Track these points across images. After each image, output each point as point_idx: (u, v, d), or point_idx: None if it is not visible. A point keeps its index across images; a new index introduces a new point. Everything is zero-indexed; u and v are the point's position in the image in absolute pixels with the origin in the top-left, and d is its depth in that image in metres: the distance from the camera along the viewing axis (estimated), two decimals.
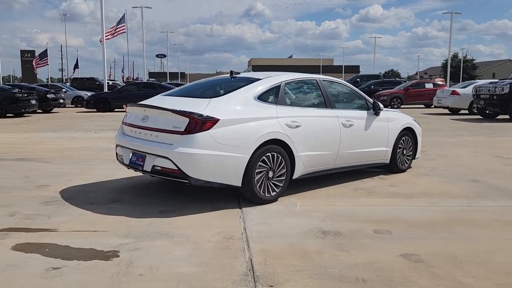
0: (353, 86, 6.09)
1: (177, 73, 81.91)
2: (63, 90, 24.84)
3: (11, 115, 17.22)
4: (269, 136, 4.56)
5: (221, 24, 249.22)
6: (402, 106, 24.20)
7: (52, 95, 20.06)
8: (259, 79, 4.97)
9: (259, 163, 4.51)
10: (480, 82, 18.61)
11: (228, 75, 5.34)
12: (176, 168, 4.20)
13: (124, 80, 64.46)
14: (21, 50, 67.78)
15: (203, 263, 3.15)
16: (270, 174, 4.64)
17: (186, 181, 4.25)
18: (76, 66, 62.01)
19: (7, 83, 31.27)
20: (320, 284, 2.85)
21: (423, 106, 24.72)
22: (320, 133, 5.15)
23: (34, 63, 40.82)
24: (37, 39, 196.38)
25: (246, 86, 4.80)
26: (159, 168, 4.35)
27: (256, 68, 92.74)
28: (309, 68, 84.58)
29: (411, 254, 3.37)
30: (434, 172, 6.57)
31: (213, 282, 2.84)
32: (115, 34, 29.24)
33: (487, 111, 16.32)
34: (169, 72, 75.63)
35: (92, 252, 3.30)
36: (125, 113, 5.16)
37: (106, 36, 27.90)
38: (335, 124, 5.32)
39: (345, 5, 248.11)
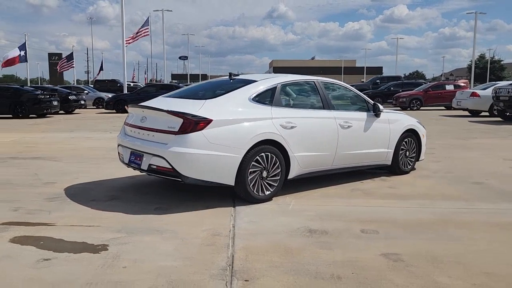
0: (353, 88, 6.12)
1: (199, 74, 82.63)
2: (85, 91, 25.47)
3: (34, 115, 17.80)
4: (263, 136, 4.66)
5: (244, 26, 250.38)
6: (421, 108, 23.92)
7: (74, 97, 20.63)
8: (255, 81, 5.07)
9: (253, 163, 4.62)
10: (500, 83, 18.25)
11: (227, 76, 5.47)
12: (170, 167, 4.34)
13: (147, 81, 65.53)
14: (48, 53, 69.70)
15: (186, 257, 3.28)
16: (264, 174, 4.74)
17: (180, 180, 4.39)
18: (101, 68, 63.28)
19: (33, 85, 32.27)
20: (295, 280, 2.94)
21: (443, 108, 24.33)
22: (316, 134, 5.22)
23: (58, 66, 41.88)
24: (64, 42, 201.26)
25: (242, 88, 4.92)
26: (154, 166, 4.50)
27: (277, 69, 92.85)
28: (331, 69, 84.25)
29: (392, 253, 3.42)
30: (437, 174, 6.54)
31: (192, 275, 2.96)
32: (136, 38, 29.81)
33: (507, 113, 16.00)
34: (191, 74, 76.46)
35: (83, 246, 3.47)
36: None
37: (127, 41, 28.55)
38: (332, 125, 5.38)
39: (369, 6, 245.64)
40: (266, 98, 4.95)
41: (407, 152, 6.49)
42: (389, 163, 6.27)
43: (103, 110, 22.52)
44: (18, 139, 10.51)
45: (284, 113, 4.96)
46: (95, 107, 25.95)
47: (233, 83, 5.15)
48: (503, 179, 6.17)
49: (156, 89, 21.79)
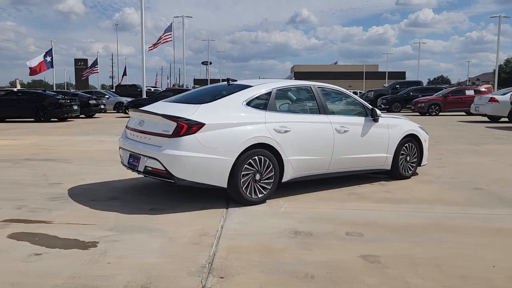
0: (351, 93, 6.18)
1: (219, 79, 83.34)
2: (106, 96, 26.12)
3: (56, 119, 18.37)
4: (256, 140, 4.78)
5: (266, 31, 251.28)
6: (440, 113, 23.60)
7: (94, 101, 21.19)
8: (251, 86, 5.20)
9: (246, 166, 4.74)
10: None
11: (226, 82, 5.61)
12: (164, 169, 4.51)
13: (169, 86, 66.47)
14: (75, 59, 71.58)
15: (169, 255, 3.42)
16: (257, 176, 4.85)
17: (173, 181, 4.55)
18: (124, 74, 64.55)
19: (58, 90, 33.28)
20: (269, 278, 3.04)
21: (464, 113, 23.92)
22: (311, 138, 5.30)
23: (84, 72, 43.04)
24: (91, 48, 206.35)
25: (237, 93, 5.05)
26: (150, 168, 4.68)
27: (297, 74, 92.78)
28: (352, 74, 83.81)
29: (372, 255, 3.48)
30: (439, 179, 6.52)
31: (171, 272, 3.09)
32: (159, 44, 30.42)
33: None
34: (213, 79, 77.15)
35: (75, 242, 3.65)
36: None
37: (150, 47, 29.23)
38: (328, 129, 5.46)
39: (394, 10, 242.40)
40: (260, 103, 5.07)
41: (408, 157, 6.49)
42: (389, 167, 6.29)
43: (122, 114, 23.03)
44: (36, 141, 10.92)
45: (278, 118, 5.07)
46: (115, 111, 26.55)
47: (229, 88, 5.29)
48: (505, 185, 6.11)
49: (174, 93, 22.10)
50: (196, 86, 65.49)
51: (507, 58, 64.87)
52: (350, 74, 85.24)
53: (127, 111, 21.48)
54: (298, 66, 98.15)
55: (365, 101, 26.97)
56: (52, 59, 39.50)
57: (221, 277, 3.03)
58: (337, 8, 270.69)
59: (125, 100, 25.53)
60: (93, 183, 5.93)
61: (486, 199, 5.33)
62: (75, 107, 18.69)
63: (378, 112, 6.02)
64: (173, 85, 77.23)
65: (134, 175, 6.03)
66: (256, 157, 4.81)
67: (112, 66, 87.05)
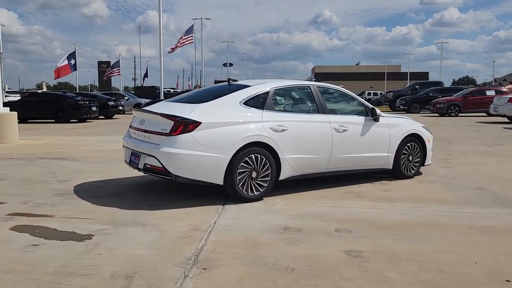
0: (351, 93, 6.23)
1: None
2: (125, 98, 26.66)
3: (75, 120, 18.88)
4: (252, 138, 4.89)
5: (288, 32, 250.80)
6: (460, 114, 23.24)
7: (112, 103, 21.69)
8: (249, 86, 5.33)
9: (242, 163, 4.86)
10: None
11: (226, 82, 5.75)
12: (161, 166, 4.67)
13: (191, 88, 67.19)
14: (98, 61, 73.18)
15: (158, 247, 3.56)
16: (254, 174, 4.97)
17: (170, 178, 4.71)
18: (145, 75, 65.58)
19: (78, 91, 34.10)
20: (250, 270, 3.15)
21: (485, 114, 23.47)
22: (309, 137, 5.38)
23: (105, 75, 43.91)
24: (115, 50, 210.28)
25: (234, 93, 5.18)
26: (149, 166, 4.85)
27: (318, 75, 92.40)
28: (373, 75, 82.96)
29: (355, 250, 3.55)
30: (442, 179, 6.51)
31: (156, 263, 3.24)
32: (180, 46, 30.82)
33: None
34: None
35: (71, 235, 3.84)
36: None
37: (172, 48, 29.67)
38: (326, 129, 5.53)
39: (418, 10, 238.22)
40: (257, 102, 5.18)
41: (410, 157, 6.50)
42: (390, 167, 6.32)
43: None
44: (53, 141, 11.30)
45: (275, 117, 5.17)
46: None
47: (229, 88, 5.42)
48: (508, 185, 6.06)
49: None
50: None
51: None
52: (372, 75, 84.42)
53: None
54: (318, 67, 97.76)
55: (384, 102, 26.75)
56: (75, 61, 40.50)
57: (203, 269, 3.16)
58: (360, 8, 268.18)
59: (144, 101, 25.97)
60: (99, 180, 6.15)
61: (484, 199, 5.32)
62: (94, 108, 19.18)
63: (378, 111, 6.06)
64: (195, 86, 77.97)
65: (139, 173, 6.21)
66: (252, 155, 4.93)
67: (135, 68, 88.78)
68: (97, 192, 5.42)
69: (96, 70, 74.72)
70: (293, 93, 5.77)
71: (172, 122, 4.68)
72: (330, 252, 3.52)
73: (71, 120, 18.60)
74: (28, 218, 4.33)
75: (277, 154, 5.11)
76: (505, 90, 25.54)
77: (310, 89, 5.72)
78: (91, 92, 28.61)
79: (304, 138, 5.34)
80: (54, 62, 37.29)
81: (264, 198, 5.12)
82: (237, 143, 4.80)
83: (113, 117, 22.60)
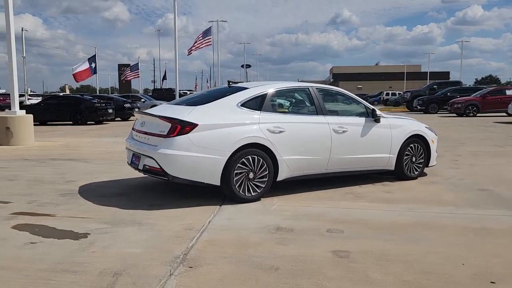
0: (352, 94, 6.24)
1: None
2: (142, 100, 27.03)
3: (92, 122, 19.28)
4: (248, 140, 4.96)
5: (307, 33, 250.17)
6: (478, 114, 22.83)
7: (128, 105, 22.04)
8: (247, 88, 5.40)
9: (239, 164, 4.93)
10: None
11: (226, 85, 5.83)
12: (159, 167, 4.78)
13: (209, 89, 67.58)
14: (118, 64, 74.39)
15: (151, 246, 3.66)
16: (251, 175, 5.03)
17: (167, 179, 4.82)
18: (164, 78, 66.29)
19: (102, 94, 34.82)
20: (235, 269, 3.22)
21: (504, 114, 22.98)
22: (307, 138, 5.42)
23: (123, 76, 44.56)
24: (136, 53, 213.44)
25: (232, 95, 5.26)
26: (147, 167, 4.97)
27: (336, 76, 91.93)
28: (393, 75, 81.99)
29: (343, 251, 3.58)
30: (447, 180, 6.45)
31: (146, 261, 3.33)
32: (194, 48, 31.05)
33: None
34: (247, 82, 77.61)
35: (69, 233, 3.97)
36: None
37: (189, 50, 29.97)
38: (325, 130, 5.56)
39: (440, 8, 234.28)
40: (255, 104, 5.25)
41: (414, 158, 6.46)
42: (392, 168, 6.30)
43: None
44: (67, 143, 11.58)
45: (272, 118, 5.23)
46: None
47: (229, 91, 5.51)
48: None
49: None
50: None
51: None
52: (391, 75, 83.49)
53: None
54: (337, 68, 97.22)
55: (402, 102, 26.46)
56: (95, 65, 41.28)
57: (190, 267, 3.24)
58: (380, 7, 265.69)
59: (160, 103, 26.33)
60: (105, 181, 6.31)
61: (487, 200, 5.27)
62: (110, 111, 19.53)
63: (379, 112, 6.06)
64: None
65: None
66: (249, 157, 4.99)
67: (154, 71, 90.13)
68: (101, 192, 5.57)
69: (116, 73, 76.14)
70: (291, 95, 5.82)
71: (170, 124, 4.78)
72: (318, 252, 3.56)
73: (88, 122, 18.98)
74: (30, 217, 4.49)
75: (275, 155, 5.16)
76: None
77: (309, 91, 5.75)
78: (108, 95, 29.19)
79: (302, 140, 5.38)
80: (75, 65, 38.04)
81: (261, 198, 5.18)
82: (233, 145, 4.87)
83: (129, 119, 22.94)
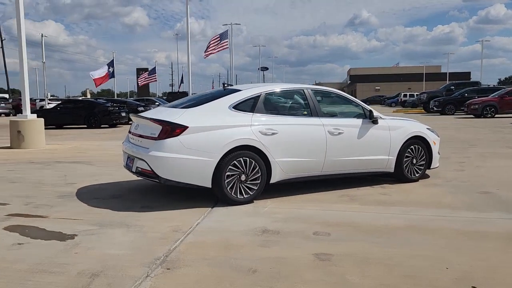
0: (349, 96, 6.18)
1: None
2: (156, 103, 27.31)
3: (106, 126, 19.56)
4: (240, 142, 4.95)
5: (325, 34, 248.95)
6: (496, 115, 22.30)
7: (142, 108, 22.26)
8: (240, 90, 5.39)
9: (230, 167, 4.92)
10: None
11: (222, 87, 5.84)
12: (150, 169, 4.81)
13: None
14: (136, 68, 75.26)
15: (134, 248, 3.69)
16: (243, 177, 5.02)
17: (158, 181, 4.85)
18: (181, 81, 66.82)
19: (116, 98, 35.27)
20: (211, 271, 3.21)
21: None
22: (301, 140, 5.38)
23: (139, 80, 45.05)
24: (155, 57, 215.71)
25: (224, 97, 5.26)
26: (140, 169, 5.01)
27: (354, 77, 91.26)
28: (412, 76, 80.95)
29: (326, 253, 3.54)
30: (449, 182, 6.33)
31: (126, 263, 3.35)
32: (215, 51, 31.22)
33: None
34: None
35: (57, 235, 4.02)
36: None
37: (208, 52, 30.16)
38: (319, 132, 5.51)
39: (461, 7, 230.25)
40: (247, 106, 5.24)
41: (414, 160, 6.35)
42: (392, 170, 6.20)
43: None
44: (77, 146, 11.78)
45: (265, 120, 5.21)
46: None
47: (222, 93, 5.51)
48: None
49: None
50: None
51: None
52: (410, 76, 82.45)
53: None
54: (354, 69, 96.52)
55: (418, 103, 26.02)
56: (113, 69, 41.89)
57: (167, 269, 3.25)
58: (399, 8, 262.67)
59: None
60: (104, 183, 6.38)
61: (487, 203, 5.14)
62: (123, 114, 19.79)
63: (376, 113, 5.97)
64: None
65: None
66: (241, 159, 4.98)
67: (172, 74, 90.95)
68: (97, 194, 5.64)
69: (135, 77, 77.16)
70: (285, 96, 5.80)
71: (160, 127, 4.82)
72: (300, 254, 3.53)
73: (102, 126, 19.27)
74: (24, 218, 4.58)
75: (267, 158, 5.14)
76: None
77: (304, 92, 5.71)
78: (121, 98, 29.64)
79: (295, 141, 5.34)
80: (97, 70, 38.83)
81: (255, 201, 5.17)
82: (224, 147, 4.87)
83: None
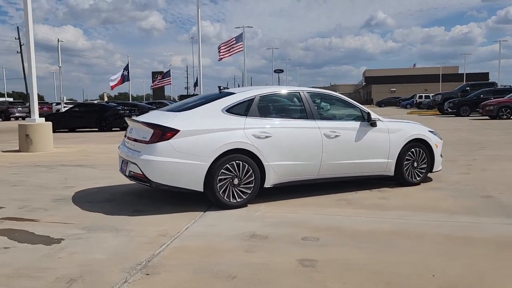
0: (347, 98, 6.08)
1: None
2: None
3: (117, 128, 19.73)
4: (232, 145, 4.91)
5: (340, 36, 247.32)
6: None
7: None
8: (233, 93, 5.36)
9: (222, 170, 4.88)
10: None
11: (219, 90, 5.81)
12: (141, 173, 4.81)
13: None
14: (152, 72, 76.00)
15: (117, 253, 3.67)
16: (236, 181, 4.97)
17: (149, 185, 4.84)
18: (195, 84, 67.19)
19: (134, 101, 35.79)
20: (191, 277, 3.17)
21: None
22: (296, 143, 5.32)
23: (153, 83, 45.44)
24: (171, 61, 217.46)
25: (217, 100, 5.23)
26: (132, 173, 5.01)
27: (369, 79, 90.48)
28: (428, 77, 79.91)
29: (310, 259, 3.47)
30: (451, 186, 6.18)
31: (106, 267, 3.33)
32: (230, 54, 31.32)
33: None
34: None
35: (45, 239, 4.03)
36: None
37: (223, 54, 30.30)
38: (315, 134, 5.43)
39: (480, 7, 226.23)
40: (241, 109, 5.20)
41: (415, 163, 6.22)
42: (392, 173, 6.08)
43: None
44: (84, 149, 11.91)
45: (259, 123, 5.16)
46: None
47: (216, 96, 5.48)
48: None
49: None
50: None
51: None
52: (427, 77, 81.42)
53: None
54: (369, 71, 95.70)
55: (433, 104, 25.63)
56: (128, 73, 42.38)
57: (147, 274, 3.22)
58: (416, 8, 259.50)
59: None
60: (102, 186, 6.41)
61: (486, 208, 5.00)
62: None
63: (374, 116, 5.86)
64: None
65: None
66: (233, 162, 4.94)
67: (187, 77, 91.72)
68: (93, 198, 5.66)
69: (151, 80, 78.02)
70: (281, 99, 5.73)
71: (152, 130, 4.81)
72: (284, 260, 3.47)
73: (113, 129, 19.46)
74: (16, 222, 4.61)
75: (261, 161, 5.08)
76: None
77: (300, 95, 5.64)
78: (133, 102, 29.91)
79: (290, 145, 5.28)
80: (115, 74, 39.49)
81: (249, 204, 5.12)
82: (216, 150, 4.84)
83: None
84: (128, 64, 42.97)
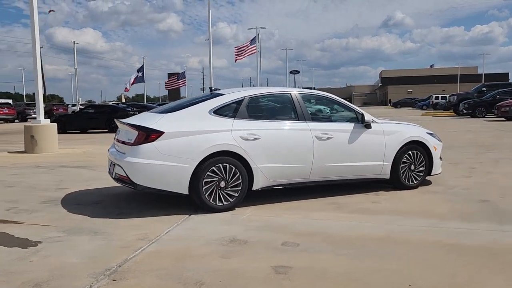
0: (341, 99, 5.92)
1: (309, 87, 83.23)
2: None
3: None
4: (218, 148, 4.82)
5: (357, 37, 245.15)
6: None
7: None
8: (222, 95, 5.27)
9: (208, 173, 4.79)
10: None
11: (215, 91, 5.72)
12: (125, 175, 4.75)
13: None
14: (168, 73, 76.76)
15: (91, 256, 3.61)
16: (223, 184, 4.88)
17: (133, 187, 4.78)
18: (211, 85, 67.55)
19: (151, 102, 36.03)
20: (158, 283, 3.09)
21: None
22: (285, 145, 5.20)
23: (166, 84, 45.75)
24: (188, 62, 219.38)
25: (204, 102, 5.15)
26: (118, 175, 4.95)
27: (385, 80, 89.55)
28: (446, 77, 78.71)
29: (285, 266, 3.36)
30: (450, 190, 5.99)
31: (76, 272, 3.27)
32: (245, 55, 31.38)
33: None
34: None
35: (22, 241, 4.00)
36: None
37: (238, 56, 30.39)
38: (306, 136, 5.31)
39: (501, 6, 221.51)
40: (228, 111, 5.11)
41: (412, 166, 6.04)
42: (387, 176, 5.91)
43: None
44: (89, 150, 11.96)
45: (247, 125, 5.06)
46: None
47: (205, 97, 5.40)
48: None
49: None
50: None
51: None
52: (444, 78, 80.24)
53: None
54: (386, 71, 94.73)
55: (448, 105, 25.19)
56: (143, 74, 42.77)
57: (113, 280, 3.14)
58: (435, 8, 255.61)
59: None
60: (93, 188, 6.39)
61: (482, 213, 4.81)
62: None
63: (368, 117, 5.70)
64: None
65: None
66: (220, 165, 4.85)
67: (203, 79, 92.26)
68: (81, 200, 5.63)
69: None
70: (271, 100, 5.62)
71: (136, 132, 4.75)
72: (258, 266, 3.36)
73: None
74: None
75: (249, 164, 4.98)
76: None
77: (291, 96, 5.52)
78: (142, 103, 30.07)
79: (279, 147, 5.16)
80: (131, 76, 40.16)
81: (236, 208, 5.02)
82: (202, 153, 4.75)
83: None
84: (143, 66, 43.37)
